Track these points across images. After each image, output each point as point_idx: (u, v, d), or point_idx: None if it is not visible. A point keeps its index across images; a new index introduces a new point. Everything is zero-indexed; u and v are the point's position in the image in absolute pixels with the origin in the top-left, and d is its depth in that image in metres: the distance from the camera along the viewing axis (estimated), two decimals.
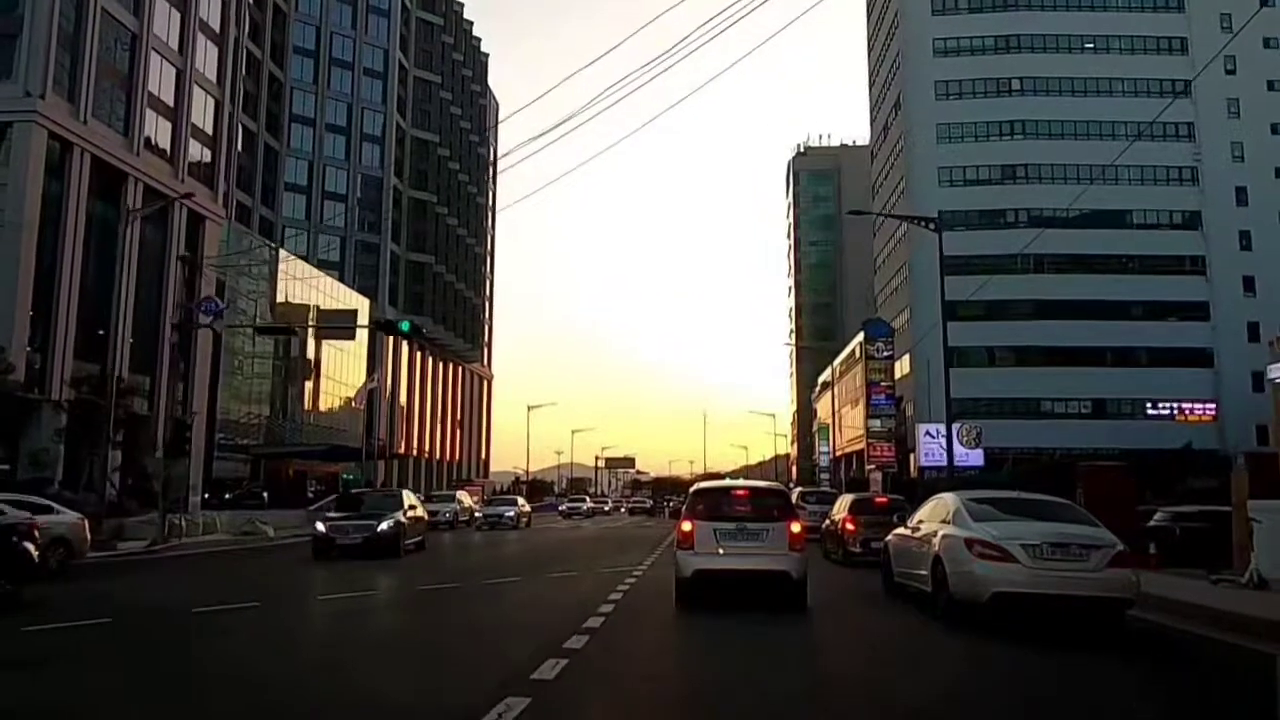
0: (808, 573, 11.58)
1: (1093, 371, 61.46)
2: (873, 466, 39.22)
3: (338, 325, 24.80)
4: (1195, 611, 10.82)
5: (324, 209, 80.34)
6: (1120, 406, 62.42)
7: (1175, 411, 61.57)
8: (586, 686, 7.24)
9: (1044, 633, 9.54)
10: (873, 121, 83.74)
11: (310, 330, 24.09)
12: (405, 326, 22.44)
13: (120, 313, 41.58)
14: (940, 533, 10.70)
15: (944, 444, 43.74)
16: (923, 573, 11.02)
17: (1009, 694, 7.33)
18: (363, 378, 76.96)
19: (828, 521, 22.07)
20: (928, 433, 43.03)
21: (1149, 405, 62.07)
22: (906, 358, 64.60)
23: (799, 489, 39.18)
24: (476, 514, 41.75)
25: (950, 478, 26.86)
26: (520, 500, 49.20)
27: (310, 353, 72.23)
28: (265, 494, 52.71)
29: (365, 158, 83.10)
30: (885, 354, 59.97)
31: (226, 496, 52.20)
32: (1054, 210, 62.20)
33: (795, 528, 11.45)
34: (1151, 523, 18.60)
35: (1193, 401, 61.88)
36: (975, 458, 42.49)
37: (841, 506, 21.56)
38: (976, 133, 64.68)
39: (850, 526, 19.63)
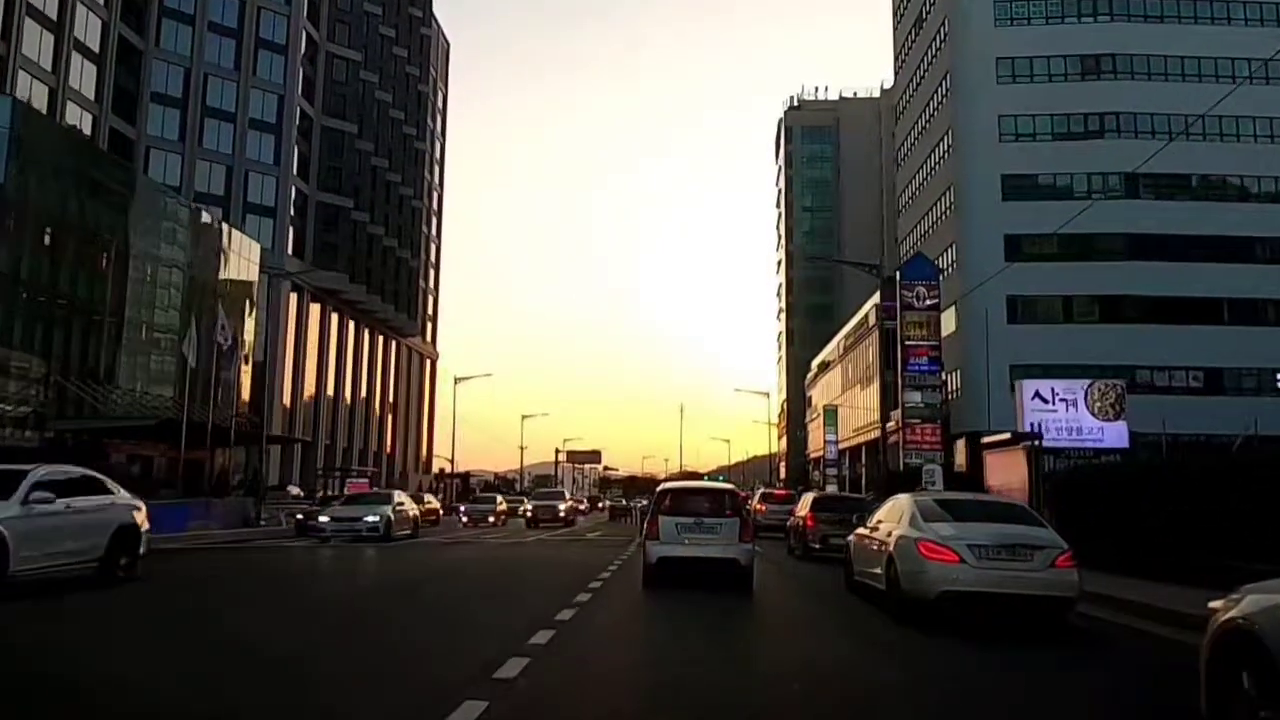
0: (754, 561, 13.14)
1: (1205, 330, 45.75)
2: (1003, 437, 23.04)
3: None
4: None
5: (204, 129, 63.57)
6: (1241, 379, 46.76)
7: None
8: None
9: (994, 629, 9.56)
10: (898, 19, 66.93)
11: None
12: None
13: None
14: (895, 533, 10.77)
15: (1071, 412, 27.99)
16: (878, 571, 11.14)
17: (944, 684, 7.21)
18: (266, 345, 61.02)
19: (793, 519, 22.24)
20: (1037, 394, 26.86)
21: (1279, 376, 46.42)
22: (951, 312, 48.75)
23: (761, 489, 40.31)
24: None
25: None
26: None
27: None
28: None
29: (261, 69, 66.35)
30: (929, 302, 43.55)
31: None
32: (1151, 115, 46.81)
33: (744, 523, 13.18)
34: None
35: None
36: (1114, 435, 26.51)
37: (805, 504, 21.81)
38: (1048, 11, 48.78)
39: (810, 524, 19.76)
